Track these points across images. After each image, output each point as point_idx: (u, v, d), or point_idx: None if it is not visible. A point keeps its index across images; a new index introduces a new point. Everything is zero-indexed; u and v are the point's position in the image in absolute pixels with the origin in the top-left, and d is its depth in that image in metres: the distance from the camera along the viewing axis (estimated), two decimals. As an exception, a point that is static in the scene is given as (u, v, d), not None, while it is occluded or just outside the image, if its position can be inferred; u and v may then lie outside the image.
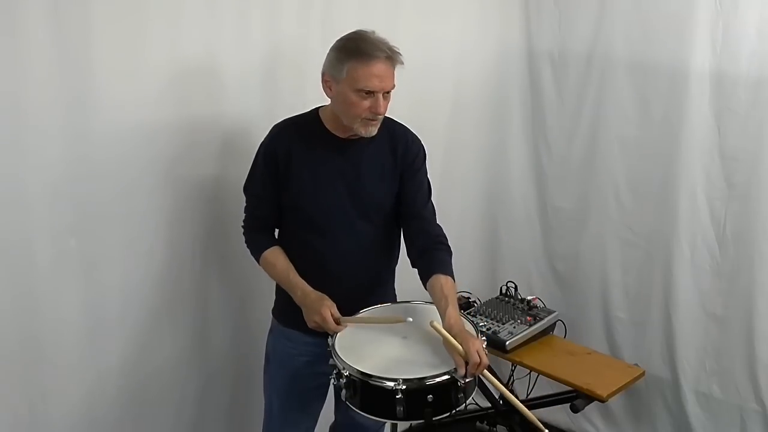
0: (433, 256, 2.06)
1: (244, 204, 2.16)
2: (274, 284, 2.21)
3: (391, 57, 1.94)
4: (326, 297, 2.00)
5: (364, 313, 2.04)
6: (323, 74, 2.00)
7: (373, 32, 1.98)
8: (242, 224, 2.19)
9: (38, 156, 1.91)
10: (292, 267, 2.09)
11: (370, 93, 1.93)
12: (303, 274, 2.05)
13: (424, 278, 2.03)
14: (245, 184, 2.14)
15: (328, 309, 1.96)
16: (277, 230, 2.19)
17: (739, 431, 2.87)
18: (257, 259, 2.15)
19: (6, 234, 1.89)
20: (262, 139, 2.11)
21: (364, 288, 2.13)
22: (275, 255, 2.12)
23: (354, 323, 1.99)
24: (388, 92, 1.97)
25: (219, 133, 2.29)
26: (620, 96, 2.98)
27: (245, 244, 2.18)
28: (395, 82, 1.98)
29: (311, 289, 2.03)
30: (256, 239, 2.16)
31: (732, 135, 2.72)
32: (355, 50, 1.92)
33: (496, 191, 3.37)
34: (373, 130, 2.02)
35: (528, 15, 3.19)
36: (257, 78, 2.35)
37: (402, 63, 1.97)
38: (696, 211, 2.83)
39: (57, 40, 1.88)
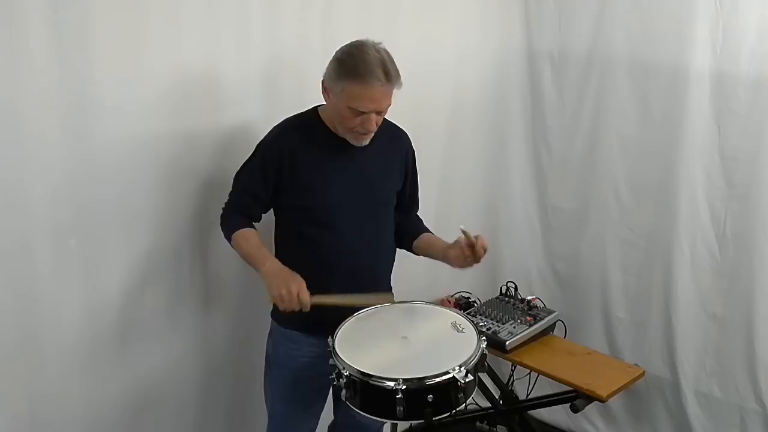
0: (418, 227, 2.32)
1: (230, 190, 2.16)
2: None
3: (388, 83, 1.94)
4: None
5: (364, 313, 2.04)
6: (323, 82, 2.02)
7: (378, 44, 1.98)
8: (222, 208, 2.17)
9: (38, 159, 1.91)
10: (265, 245, 2.08)
11: (363, 112, 1.96)
12: (305, 273, 2.03)
13: (411, 241, 2.30)
14: (237, 173, 2.14)
15: (303, 284, 1.92)
16: (255, 223, 2.17)
17: (739, 431, 2.88)
18: (229, 235, 2.11)
19: (6, 235, 1.89)
20: (262, 138, 2.12)
21: (366, 286, 2.12)
22: (251, 233, 2.10)
23: (323, 302, 1.95)
24: (382, 111, 2.00)
25: (219, 137, 2.29)
26: (620, 96, 2.98)
27: (220, 227, 2.16)
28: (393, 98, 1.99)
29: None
30: (234, 219, 2.13)
31: (732, 135, 2.72)
32: (353, 70, 1.93)
33: (496, 191, 3.37)
34: (364, 142, 2.06)
35: (528, 15, 3.19)
36: (257, 82, 2.34)
37: (401, 85, 1.98)
38: (696, 211, 2.83)
39: (57, 45, 1.88)
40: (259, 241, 2.08)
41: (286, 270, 1.97)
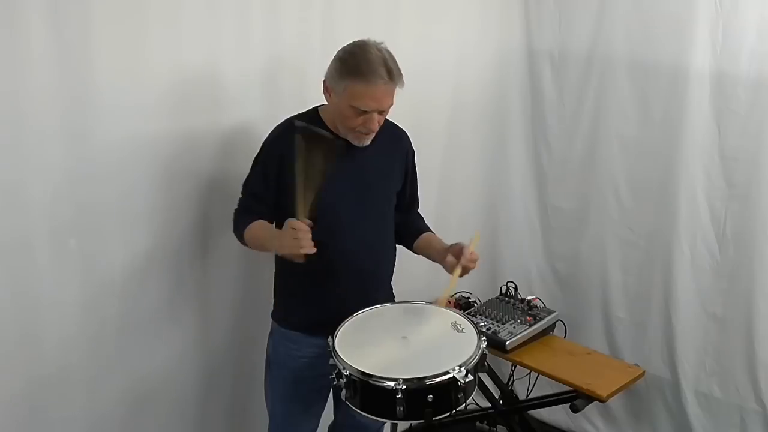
0: (418, 226, 2.33)
1: (240, 197, 2.15)
2: (273, 285, 2.22)
3: (391, 81, 1.94)
4: None
5: (364, 313, 2.04)
6: (324, 81, 2.02)
7: (380, 44, 1.98)
8: (234, 210, 2.17)
9: (38, 158, 1.91)
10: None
11: (365, 111, 1.96)
12: (307, 273, 2.03)
13: (412, 239, 2.29)
14: (245, 180, 2.14)
15: (302, 226, 1.89)
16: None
17: (739, 431, 2.88)
18: (241, 237, 2.10)
19: (6, 234, 1.89)
20: (264, 139, 2.12)
21: (367, 287, 2.14)
22: (257, 223, 2.08)
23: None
24: (384, 110, 2.00)
25: (219, 136, 2.29)
26: (620, 96, 2.98)
27: (233, 231, 2.15)
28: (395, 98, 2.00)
29: None
30: (242, 220, 2.12)
31: (732, 135, 2.72)
32: (355, 69, 1.93)
33: (496, 191, 3.38)
34: (366, 141, 2.06)
35: (528, 15, 3.19)
36: (257, 82, 2.34)
37: (403, 84, 1.98)
38: (696, 211, 2.83)
39: (57, 45, 1.88)
40: (265, 224, 2.08)
41: (280, 231, 1.95)
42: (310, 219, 1.90)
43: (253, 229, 2.07)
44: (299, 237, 1.86)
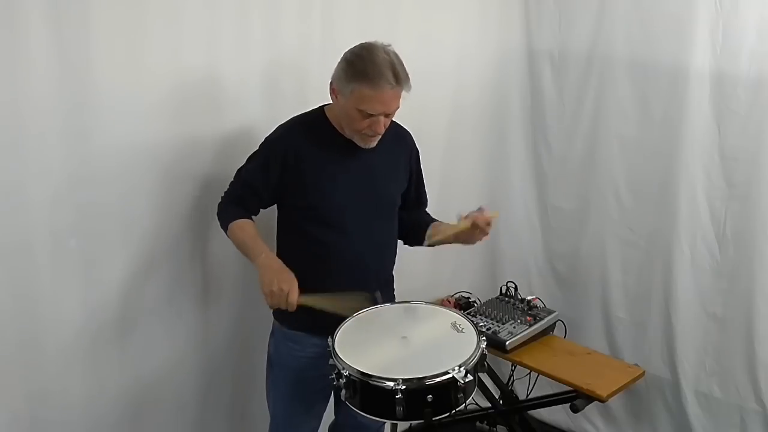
0: (426, 220, 2.29)
1: (232, 180, 2.16)
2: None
3: (398, 85, 1.94)
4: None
5: (364, 313, 2.04)
6: (331, 83, 2.02)
7: (388, 46, 1.98)
8: (221, 197, 2.17)
9: (39, 160, 1.92)
10: (261, 236, 2.08)
11: (372, 114, 1.95)
12: (308, 271, 2.01)
13: (422, 235, 2.22)
14: (241, 167, 2.14)
15: (296, 285, 1.92)
16: (255, 216, 2.18)
17: (739, 431, 2.88)
18: (226, 225, 2.11)
19: (7, 237, 1.90)
20: (267, 135, 2.12)
21: (369, 287, 2.13)
22: (248, 223, 2.10)
23: (309, 303, 1.94)
24: (391, 114, 2.00)
25: (220, 138, 2.29)
26: (620, 96, 2.98)
27: (217, 215, 2.16)
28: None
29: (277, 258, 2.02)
30: (231, 210, 2.13)
31: (732, 135, 2.72)
32: (362, 73, 1.92)
33: (496, 191, 3.37)
34: (372, 144, 2.06)
35: (528, 15, 3.19)
36: (258, 83, 2.35)
37: (410, 88, 1.97)
38: (696, 211, 2.83)
39: (57, 46, 1.88)
40: (255, 232, 2.08)
41: (281, 267, 1.97)
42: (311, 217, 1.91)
43: (240, 233, 2.07)
44: (282, 300, 1.90)
